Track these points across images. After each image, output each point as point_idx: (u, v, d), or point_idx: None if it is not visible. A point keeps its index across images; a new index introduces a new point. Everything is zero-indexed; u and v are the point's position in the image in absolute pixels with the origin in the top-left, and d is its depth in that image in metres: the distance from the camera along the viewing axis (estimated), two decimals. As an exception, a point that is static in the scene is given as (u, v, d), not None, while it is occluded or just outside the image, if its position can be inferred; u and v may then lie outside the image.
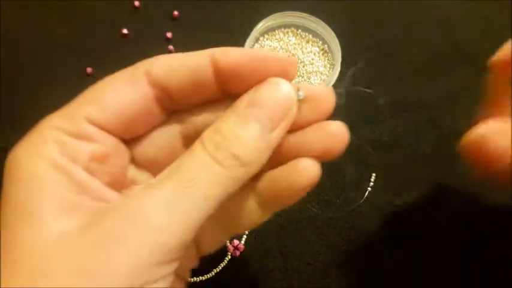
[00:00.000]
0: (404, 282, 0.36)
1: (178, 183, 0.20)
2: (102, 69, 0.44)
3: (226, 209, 0.24)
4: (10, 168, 0.21)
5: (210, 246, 0.26)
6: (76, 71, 0.44)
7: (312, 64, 0.43)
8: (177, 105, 0.24)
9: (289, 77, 0.22)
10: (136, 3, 0.46)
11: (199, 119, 0.24)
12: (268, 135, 0.22)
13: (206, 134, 0.22)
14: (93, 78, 0.44)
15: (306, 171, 0.24)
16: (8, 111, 0.42)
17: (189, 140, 0.24)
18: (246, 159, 0.21)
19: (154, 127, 0.24)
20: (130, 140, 0.24)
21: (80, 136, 0.22)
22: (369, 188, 0.40)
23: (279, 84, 0.22)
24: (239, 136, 0.21)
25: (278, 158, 0.24)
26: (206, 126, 0.23)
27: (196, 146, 0.21)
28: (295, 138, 0.24)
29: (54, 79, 0.44)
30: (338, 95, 0.43)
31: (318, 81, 0.43)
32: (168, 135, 0.24)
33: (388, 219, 0.38)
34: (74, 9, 0.46)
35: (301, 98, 0.23)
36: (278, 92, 0.22)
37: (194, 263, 0.26)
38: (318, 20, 0.43)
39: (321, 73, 0.43)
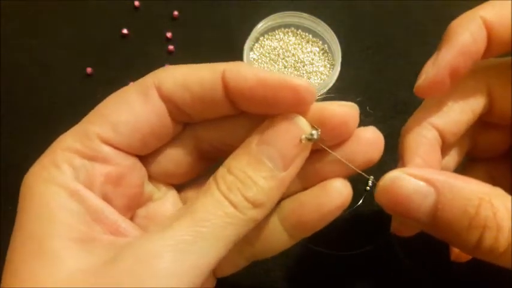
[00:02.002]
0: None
1: (192, 223, 0.19)
2: (102, 69, 0.44)
3: (250, 235, 0.23)
4: (24, 193, 0.20)
5: (229, 270, 0.25)
6: (76, 71, 0.44)
7: (312, 64, 0.43)
8: (190, 119, 0.23)
9: (305, 103, 0.21)
10: (136, 3, 0.46)
11: (215, 135, 0.24)
12: (280, 174, 0.21)
13: (219, 173, 0.21)
14: (93, 78, 0.44)
15: (335, 193, 0.23)
16: (8, 111, 0.42)
17: (205, 154, 0.24)
18: (259, 201, 0.21)
19: (169, 140, 0.24)
20: (145, 156, 0.24)
21: (94, 158, 0.21)
22: (368, 188, 0.40)
23: (291, 121, 0.21)
24: (251, 177, 0.21)
25: (313, 178, 0.23)
26: (222, 143, 0.23)
27: (211, 184, 0.21)
28: (330, 155, 0.23)
29: (54, 79, 0.44)
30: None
31: (318, 81, 0.43)
32: (183, 150, 0.24)
33: (387, 221, 0.38)
34: (74, 9, 0.46)
35: (314, 138, 0.21)
36: (290, 131, 0.21)
37: (211, 285, 0.25)
38: (318, 20, 0.43)
39: (321, 73, 0.43)
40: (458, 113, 0.26)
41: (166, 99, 0.22)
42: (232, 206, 0.20)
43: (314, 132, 0.21)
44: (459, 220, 0.20)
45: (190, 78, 0.22)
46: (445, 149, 0.27)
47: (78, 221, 0.20)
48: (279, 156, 0.21)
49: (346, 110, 0.22)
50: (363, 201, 0.30)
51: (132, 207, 0.23)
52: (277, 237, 0.24)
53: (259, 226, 0.24)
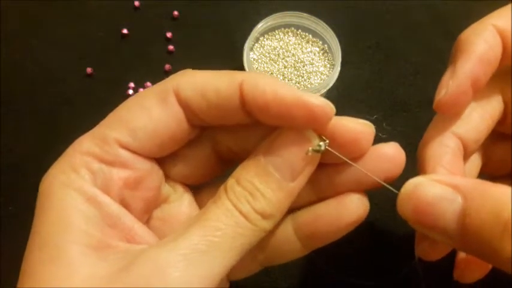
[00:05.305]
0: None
1: (205, 232, 0.19)
2: (102, 69, 0.44)
3: (264, 241, 0.23)
4: (42, 196, 0.20)
5: (242, 274, 0.25)
6: (76, 71, 0.44)
7: (312, 64, 0.43)
8: (207, 124, 0.23)
9: (319, 123, 0.21)
10: (136, 3, 0.46)
11: (232, 140, 0.24)
12: (289, 186, 0.21)
13: (229, 183, 0.21)
14: (93, 78, 0.44)
15: (353, 207, 0.23)
16: (8, 111, 0.42)
17: (223, 157, 0.24)
18: (268, 212, 0.21)
19: (187, 143, 0.24)
20: (163, 158, 0.23)
21: (112, 163, 0.21)
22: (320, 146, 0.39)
23: (299, 132, 0.21)
24: (259, 189, 0.21)
25: (329, 190, 0.23)
26: (239, 148, 0.23)
27: (221, 194, 0.21)
28: (348, 169, 0.23)
29: (54, 79, 0.44)
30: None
31: (318, 81, 0.43)
32: (201, 152, 0.24)
33: (387, 218, 0.38)
34: (74, 9, 0.46)
35: (321, 150, 0.21)
36: (298, 142, 0.21)
37: (225, 286, 0.25)
38: (318, 20, 0.43)
39: (321, 73, 0.43)
40: (479, 119, 0.25)
41: (184, 105, 0.22)
42: (243, 216, 0.20)
43: (322, 143, 0.21)
44: (491, 226, 0.18)
45: (208, 85, 0.21)
46: (465, 159, 0.26)
47: (94, 227, 0.20)
48: (287, 167, 0.21)
49: (360, 128, 0.22)
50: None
51: (149, 210, 0.23)
52: (291, 246, 0.24)
53: (273, 233, 0.24)
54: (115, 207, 0.21)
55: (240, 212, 0.20)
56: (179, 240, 0.19)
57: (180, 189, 0.25)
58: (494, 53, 0.24)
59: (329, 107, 0.20)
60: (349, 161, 0.22)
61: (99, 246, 0.20)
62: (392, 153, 0.23)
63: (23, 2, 0.46)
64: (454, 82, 0.24)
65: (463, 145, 0.25)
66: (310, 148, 0.21)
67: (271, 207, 0.21)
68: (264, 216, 0.21)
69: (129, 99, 0.22)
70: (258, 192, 0.21)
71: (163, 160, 0.24)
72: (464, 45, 0.24)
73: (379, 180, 0.22)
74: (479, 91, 0.24)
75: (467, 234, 0.19)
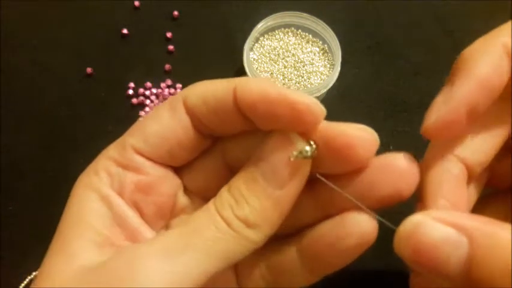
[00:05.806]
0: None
1: (184, 233, 0.19)
2: (102, 69, 0.44)
3: (271, 262, 0.23)
4: (70, 196, 0.22)
5: None
6: (76, 71, 0.44)
7: (312, 64, 0.43)
8: (215, 133, 0.23)
9: (306, 122, 0.20)
10: (136, 3, 0.46)
11: (239, 149, 0.23)
12: (275, 193, 0.20)
13: (221, 190, 0.21)
14: (93, 78, 0.44)
15: (354, 228, 0.21)
16: (8, 111, 0.42)
17: (234, 168, 0.24)
18: (251, 221, 0.20)
19: (201, 154, 0.24)
20: (180, 168, 0.24)
21: (127, 167, 0.22)
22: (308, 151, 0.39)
23: (283, 136, 0.20)
24: (244, 196, 0.20)
25: (333, 207, 0.22)
26: (245, 158, 0.22)
27: (210, 201, 0.21)
28: (354, 183, 0.21)
29: (54, 79, 0.44)
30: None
31: (318, 81, 0.43)
32: (214, 164, 0.24)
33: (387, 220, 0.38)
34: (74, 9, 0.46)
35: (307, 155, 0.20)
36: (281, 147, 0.20)
37: None
38: (318, 20, 0.43)
39: (321, 73, 0.43)
40: (487, 139, 0.23)
41: (191, 113, 0.22)
42: (225, 222, 0.20)
43: (308, 148, 0.20)
44: (501, 278, 0.16)
45: (208, 91, 0.22)
46: (468, 183, 0.23)
47: (104, 225, 0.21)
48: (272, 173, 0.20)
49: (356, 133, 0.20)
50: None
51: (163, 217, 0.24)
52: (296, 271, 0.23)
53: (279, 255, 0.23)
54: (124, 208, 0.22)
55: (222, 217, 0.20)
56: (157, 238, 0.20)
57: (198, 201, 0.25)
58: (499, 77, 0.21)
59: (317, 106, 0.19)
60: (324, 179, 0.21)
61: (104, 244, 0.20)
62: (403, 166, 0.20)
63: (23, 2, 0.46)
64: (446, 107, 0.21)
65: (467, 169, 0.23)
66: (294, 152, 0.19)
67: (254, 215, 0.20)
68: (247, 224, 0.20)
69: (151, 110, 0.24)
70: (243, 199, 0.20)
71: (182, 171, 0.24)
72: (466, 64, 0.21)
73: (368, 210, 0.20)
74: (475, 119, 0.21)
75: (473, 282, 0.17)
